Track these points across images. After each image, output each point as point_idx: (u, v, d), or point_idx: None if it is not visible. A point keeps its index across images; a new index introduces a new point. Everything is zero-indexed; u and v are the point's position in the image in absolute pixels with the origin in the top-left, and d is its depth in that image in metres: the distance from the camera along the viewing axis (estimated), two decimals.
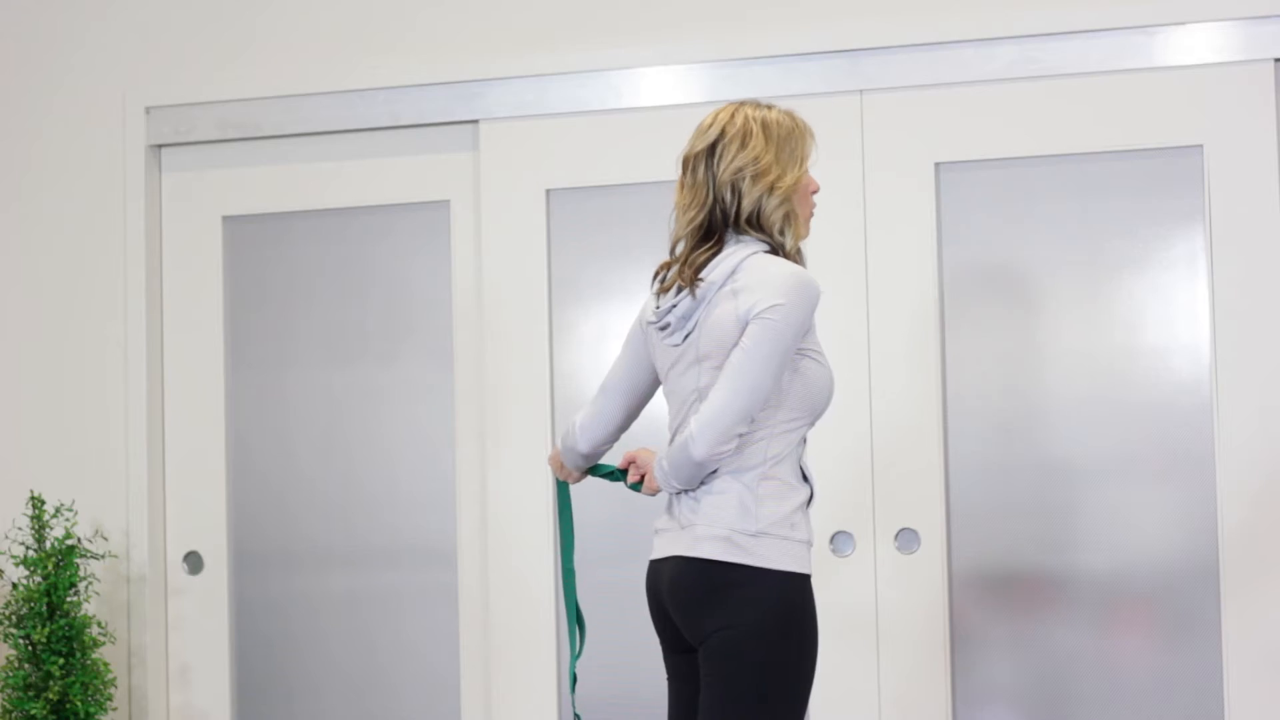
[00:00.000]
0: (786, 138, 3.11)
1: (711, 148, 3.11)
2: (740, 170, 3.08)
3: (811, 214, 3.18)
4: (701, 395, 3.07)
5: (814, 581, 3.11)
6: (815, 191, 3.18)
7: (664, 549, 3.13)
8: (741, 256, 3.06)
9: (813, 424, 3.12)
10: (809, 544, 3.07)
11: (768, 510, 3.02)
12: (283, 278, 4.93)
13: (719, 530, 3.02)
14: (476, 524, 4.72)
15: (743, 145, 3.08)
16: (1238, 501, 4.25)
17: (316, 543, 4.86)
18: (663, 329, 3.16)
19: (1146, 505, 4.33)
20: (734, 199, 3.09)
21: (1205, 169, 4.31)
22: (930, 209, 4.44)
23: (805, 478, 3.12)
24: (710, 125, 3.14)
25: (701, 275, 3.08)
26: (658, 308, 3.18)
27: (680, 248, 3.15)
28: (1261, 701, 4.21)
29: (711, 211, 3.10)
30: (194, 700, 4.89)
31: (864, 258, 4.46)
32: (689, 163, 3.14)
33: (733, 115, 3.13)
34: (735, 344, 3.02)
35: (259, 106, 4.88)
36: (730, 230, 3.10)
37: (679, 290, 3.13)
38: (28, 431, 4.97)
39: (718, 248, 3.10)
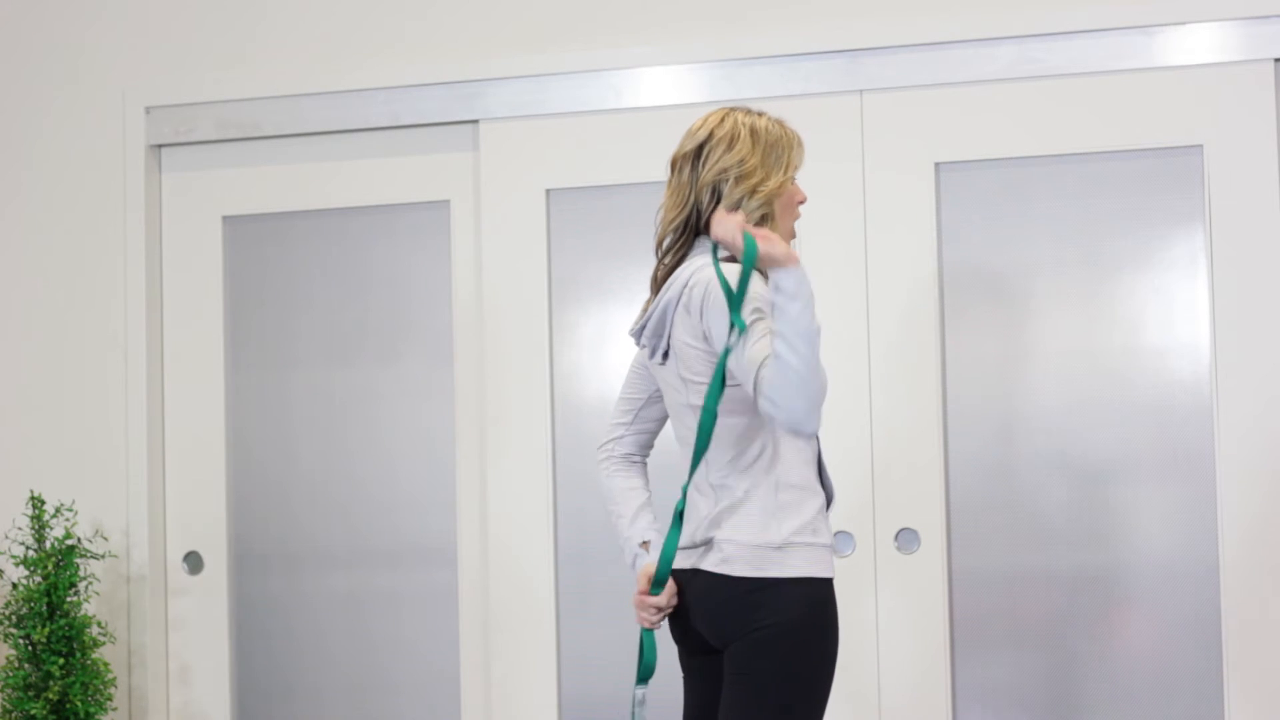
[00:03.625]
0: (774, 144, 3.12)
1: (699, 149, 3.12)
2: (724, 171, 3.09)
3: (793, 229, 3.19)
4: (696, 411, 3.06)
5: None
6: (801, 202, 3.18)
7: (683, 561, 3.11)
8: (692, 270, 3.07)
9: None
10: (831, 548, 3.07)
11: (789, 521, 3.02)
12: (283, 278, 4.93)
13: (743, 548, 3.01)
14: (476, 524, 4.72)
15: (729, 147, 3.09)
16: (1238, 501, 4.25)
17: (316, 543, 4.86)
18: (643, 347, 3.19)
19: (1146, 505, 4.33)
20: (712, 200, 3.10)
21: (1205, 169, 4.31)
22: (930, 209, 4.44)
23: (822, 479, 3.12)
24: (699, 128, 3.15)
25: (664, 289, 3.11)
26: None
27: (664, 246, 3.17)
28: (1261, 701, 4.21)
29: (689, 215, 3.11)
30: (194, 700, 4.89)
31: (864, 258, 4.46)
32: (676, 164, 3.15)
33: (722, 119, 3.14)
34: (707, 359, 3.02)
35: (259, 106, 4.88)
36: (701, 234, 3.11)
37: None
38: (28, 431, 4.97)
39: (682, 255, 3.12)
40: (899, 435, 4.43)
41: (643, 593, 3.12)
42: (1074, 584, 4.36)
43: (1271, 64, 4.28)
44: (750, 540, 3.01)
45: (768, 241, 2.90)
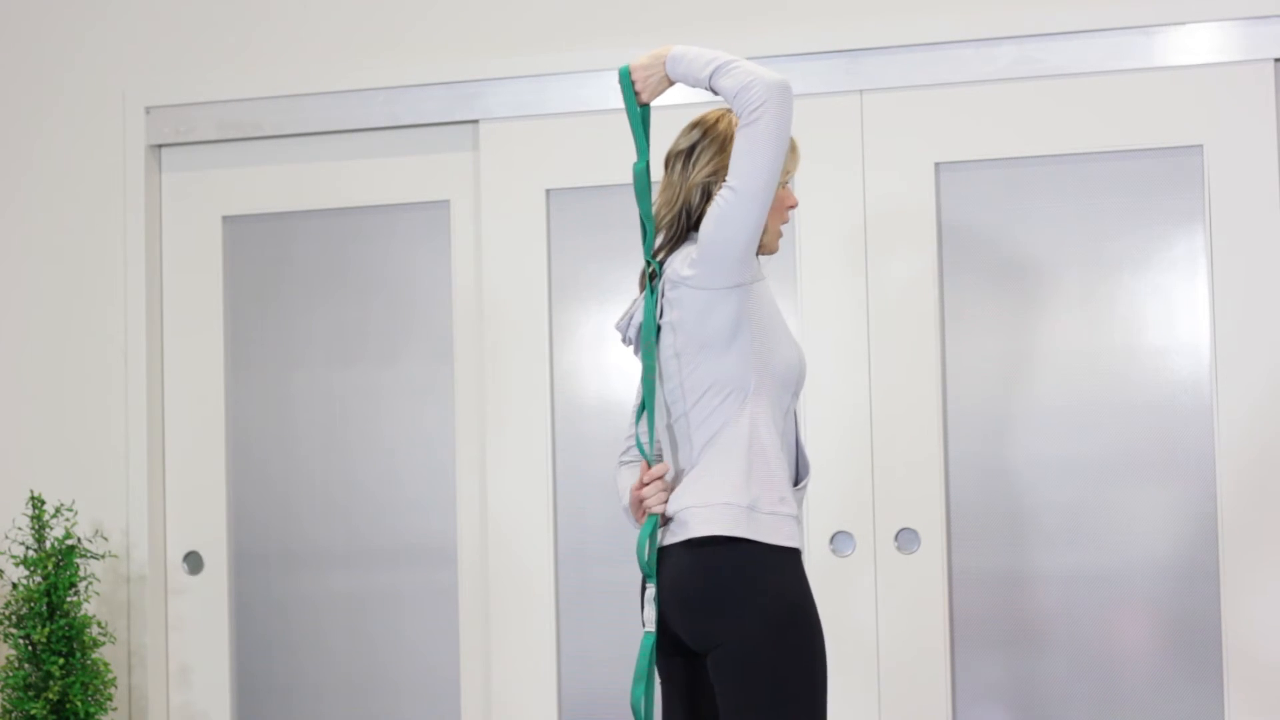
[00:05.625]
0: None
1: (691, 149, 3.13)
2: (715, 174, 3.09)
3: (780, 230, 3.19)
4: (685, 391, 3.06)
5: (814, 582, 3.11)
6: (791, 207, 3.18)
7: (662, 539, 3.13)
8: (683, 259, 3.08)
9: (794, 395, 3.12)
10: (798, 519, 3.07)
11: (756, 487, 3.02)
12: (283, 278, 4.93)
13: (714, 508, 3.01)
14: (476, 524, 4.72)
15: (721, 149, 3.10)
16: (1238, 501, 4.25)
17: (316, 543, 4.86)
18: (629, 342, 3.20)
19: (1146, 505, 4.33)
20: (702, 201, 3.10)
21: (1205, 169, 4.31)
22: (930, 209, 4.44)
23: (799, 457, 3.13)
24: (694, 127, 3.17)
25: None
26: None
27: (657, 245, 3.17)
28: (1261, 701, 4.21)
29: (680, 214, 3.12)
30: (194, 700, 4.89)
31: (864, 258, 4.46)
32: (669, 161, 3.16)
33: (716, 120, 3.15)
34: (697, 310, 3.04)
35: (259, 106, 4.88)
36: (691, 232, 3.12)
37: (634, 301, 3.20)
38: (28, 431, 4.98)
39: (673, 252, 3.13)
40: (899, 435, 4.43)
41: (636, 509, 3.16)
42: (1074, 584, 4.36)
43: (1271, 64, 4.28)
44: (720, 500, 3.01)
45: (639, 74, 3.15)
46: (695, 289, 3.03)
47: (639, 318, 3.15)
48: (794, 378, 3.11)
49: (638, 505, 3.13)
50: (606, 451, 4.48)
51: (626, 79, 3.16)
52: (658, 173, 3.22)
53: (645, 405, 3.14)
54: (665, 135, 3.34)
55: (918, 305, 4.43)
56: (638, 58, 3.18)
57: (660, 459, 3.23)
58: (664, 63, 3.11)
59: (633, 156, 3.23)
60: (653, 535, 3.09)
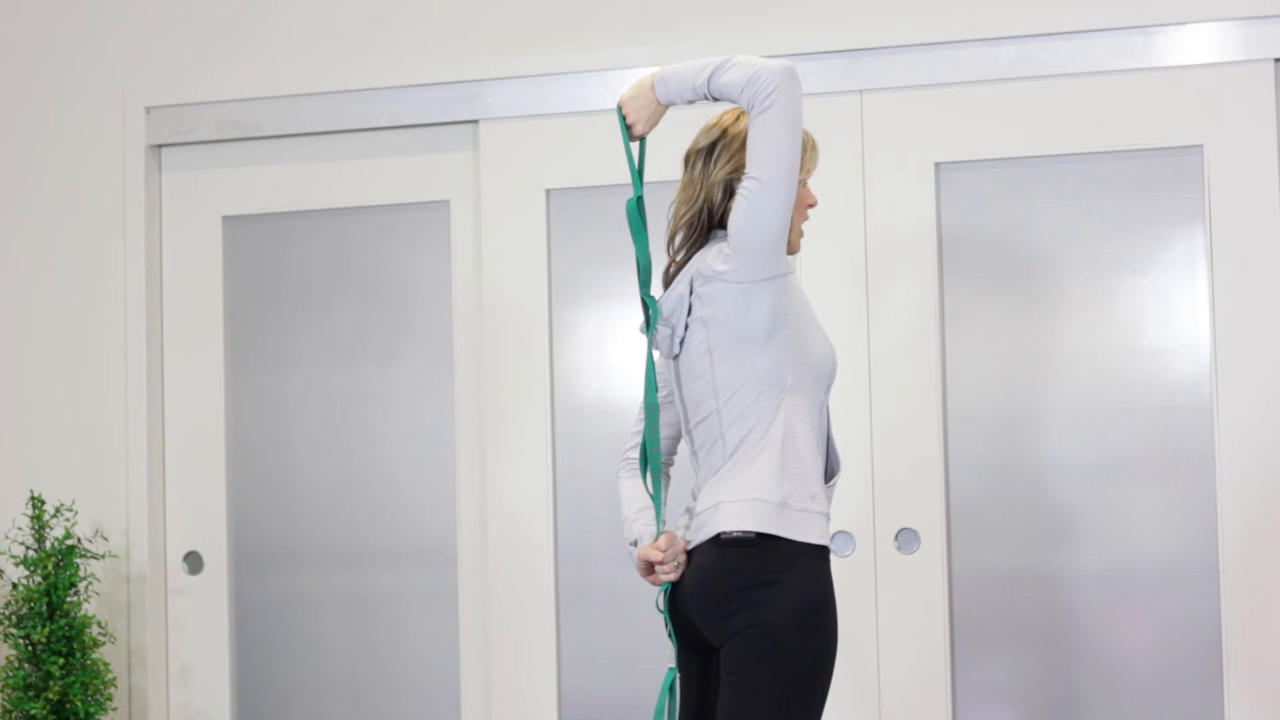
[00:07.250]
0: None
1: (712, 146, 3.13)
2: (737, 170, 3.09)
3: (803, 229, 3.20)
4: (717, 389, 3.06)
5: None
6: (811, 205, 3.18)
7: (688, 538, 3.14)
8: (707, 259, 3.09)
9: (827, 389, 3.13)
10: (827, 516, 3.07)
11: (789, 483, 3.02)
12: (283, 278, 4.93)
13: (744, 503, 3.01)
14: (476, 524, 4.72)
15: (743, 146, 3.09)
16: (1238, 501, 4.25)
17: (316, 543, 4.86)
18: (657, 346, 3.20)
19: (1146, 505, 4.33)
20: (724, 199, 3.10)
21: (1205, 169, 4.31)
22: (930, 209, 4.44)
23: (829, 452, 3.14)
24: (714, 124, 3.16)
25: (675, 282, 3.14)
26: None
27: (677, 243, 3.17)
28: (1261, 701, 4.21)
29: (700, 211, 3.12)
30: (194, 700, 4.89)
31: (864, 258, 4.46)
32: (690, 159, 3.16)
33: (737, 118, 3.15)
34: (734, 305, 3.04)
35: (259, 106, 4.88)
36: (715, 230, 3.12)
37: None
38: (28, 431, 4.98)
39: (695, 251, 3.13)
40: (899, 435, 4.43)
41: (647, 574, 3.15)
42: (1074, 584, 4.36)
43: (1271, 64, 4.28)
44: (751, 495, 3.01)
45: (629, 106, 3.12)
46: (731, 283, 3.03)
47: (671, 319, 3.15)
48: (828, 372, 3.12)
49: (647, 570, 3.14)
50: (607, 451, 4.48)
51: (620, 112, 3.15)
52: (651, 207, 3.20)
53: (646, 449, 3.16)
54: (670, 134, 3.33)
55: (918, 305, 4.43)
56: (624, 90, 3.16)
57: (671, 463, 3.26)
58: (651, 88, 3.10)
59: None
60: (667, 591, 3.11)
